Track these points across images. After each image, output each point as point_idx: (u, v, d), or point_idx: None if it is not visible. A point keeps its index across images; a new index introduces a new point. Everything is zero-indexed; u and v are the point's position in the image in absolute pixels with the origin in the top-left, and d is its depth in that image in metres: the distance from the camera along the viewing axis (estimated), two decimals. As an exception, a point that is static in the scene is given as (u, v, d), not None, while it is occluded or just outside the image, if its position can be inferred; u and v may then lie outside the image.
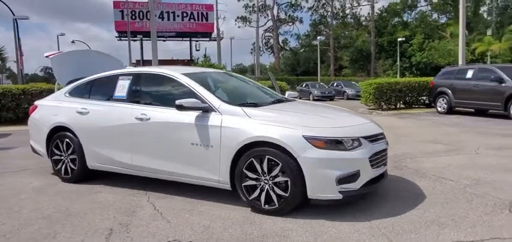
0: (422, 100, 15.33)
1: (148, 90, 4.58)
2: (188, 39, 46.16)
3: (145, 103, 4.42)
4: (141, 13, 43.64)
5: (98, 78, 5.03)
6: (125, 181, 4.83)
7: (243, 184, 3.73)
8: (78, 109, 4.82)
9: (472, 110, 12.98)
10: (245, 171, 3.69)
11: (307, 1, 47.44)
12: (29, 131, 5.59)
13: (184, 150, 4.02)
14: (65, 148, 4.93)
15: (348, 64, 51.46)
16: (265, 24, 46.99)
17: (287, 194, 3.52)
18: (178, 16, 45.82)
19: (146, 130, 4.27)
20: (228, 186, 3.88)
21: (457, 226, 3.31)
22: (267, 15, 47.54)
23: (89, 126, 4.70)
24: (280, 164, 3.52)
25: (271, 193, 3.60)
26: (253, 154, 3.64)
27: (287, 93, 5.62)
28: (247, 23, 48.51)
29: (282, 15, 48.18)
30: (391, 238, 3.09)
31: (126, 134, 4.41)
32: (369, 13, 49.02)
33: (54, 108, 5.09)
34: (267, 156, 3.58)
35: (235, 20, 49.62)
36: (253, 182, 3.69)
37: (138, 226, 3.48)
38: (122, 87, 4.63)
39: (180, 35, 46.04)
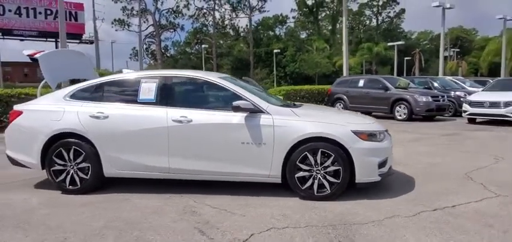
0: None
1: (184, 93, 4.61)
2: (54, 40, 41.24)
3: (182, 106, 4.43)
4: (-9, 6, 37.25)
5: (112, 80, 4.76)
6: (142, 186, 4.70)
7: (296, 176, 4.20)
8: (92, 113, 4.47)
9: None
10: (298, 163, 4.18)
11: (188, 9, 47.50)
12: (6, 140, 4.81)
13: (234, 149, 4.26)
14: (71, 157, 4.49)
15: (227, 72, 53.68)
16: (146, 29, 45.41)
17: (339, 181, 4.16)
18: (40, 13, 40.71)
19: (188, 132, 4.32)
20: (278, 180, 4.29)
21: (456, 193, 4.47)
22: (147, 20, 46.05)
23: (110, 131, 4.42)
24: (333, 155, 4.13)
25: (324, 181, 4.18)
26: (307, 148, 4.16)
27: None
28: (126, 27, 46.01)
29: (163, 21, 47.31)
30: (426, 204, 4.03)
31: (162, 137, 4.34)
32: (247, 25, 52.15)
33: (54, 113, 4.56)
34: (320, 149, 4.15)
35: (112, 23, 46.37)
36: (306, 174, 4.20)
37: (221, 221, 3.63)
38: (148, 90, 4.52)
39: (44, 34, 40.87)
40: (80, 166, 4.50)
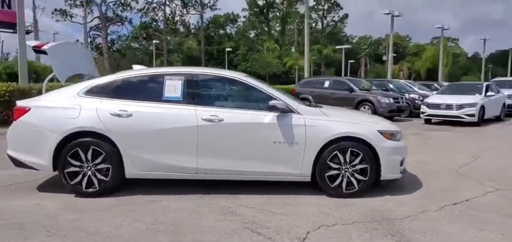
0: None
1: (212, 92, 4.51)
2: (-21, 27, 37.55)
3: (211, 105, 4.35)
4: None
5: (132, 76, 4.53)
6: (161, 188, 4.52)
7: (326, 175, 4.33)
8: (114, 111, 4.22)
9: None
10: (329, 162, 4.31)
11: (137, 2, 45.68)
12: (8, 139, 4.37)
13: (266, 148, 4.27)
14: (89, 158, 4.20)
15: (177, 70, 52.53)
16: (92, 21, 42.87)
17: (366, 178, 4.35)
18: (-39, -4, 37.01)
19: (219, 132, 4.25)
20: (308, 178, 4.38)
21: (460, 189, 4.88)
22: (92, 11, 43.48)
23: (134, 130, 4.21)
24: (361, 154, 4.32)
25: (352, 179, 4.35)
26: (337, 147, 4.30)
27: None
28: (68, 18, 43.05)
29: (110, 14, 45.01)
30: (443, 199, 4.35)
31: (191, 136, 4.22)
32: (198, 22, 51.47)
33: (69, 110, 4.23)
34: (350, 148, 4.32)
35: (53, 13, 43.05)
36: (336, 172, 4.34)
37: (267, 221, 3.64)
38: (174, 88, 4.37)
39: (-33, 20, 37.12)
40: (98, 167, 4.23)
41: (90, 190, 4.24)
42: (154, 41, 41.94)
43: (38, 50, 4.51)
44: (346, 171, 4.34)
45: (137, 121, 4.23)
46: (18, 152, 4.31)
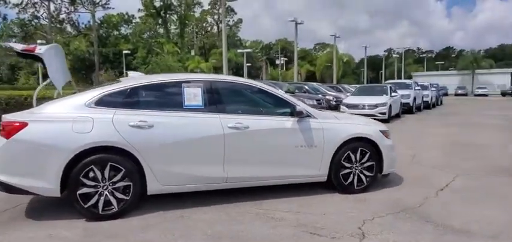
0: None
1: (232, 99, 4.41)
2: None
3: (233, 112, 4.26)
4: None
5: (146, 84, 4.16)
6: (175, 201, 4.28)
7: (340, 174, 4.64)
8: (133, 122, 3.83)
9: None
10: (342, 162, 4.64)
11: (13, -4, 39.69)
12: (-4, 161, 3.58)
13: (290, 152, 4.40)
14: (106, 175, 3.74)
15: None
16: (-47, 15, 35.63)
17: (373, 174, 4.80)
18: None
19: (245, 139, 4.20)
20: (324, 178, 4.64)
21: (430, 176, 5.69)
22: (-48, 3, 36.25)
23: (157, 142, 3.88)
24: (369, 152, 4.75)
25: (361, 175, 4.75)
26: (350, 148, 4.65)
27: None
28: None
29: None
30: (429, 186, 5.05)
31: (218, 145, 4.09)
32: (89, 21, 47.17)
33: (79, 124, 3.68)
34: (359, 148, 4.71)
35: None
36: (348, 170, 4.69)
37: (316, 222, 3.78)
38: (194, 95, 4.16)
39: None
40: (117, 185, 3.79)
41: (110, 211, 3.77)
42: (38, 41, 36.83)
43: (26, 54, 3.76)
44: (356, 169, 4.72)
45: (160, 133, 3.92)
46: (12, 176, 3.57)
